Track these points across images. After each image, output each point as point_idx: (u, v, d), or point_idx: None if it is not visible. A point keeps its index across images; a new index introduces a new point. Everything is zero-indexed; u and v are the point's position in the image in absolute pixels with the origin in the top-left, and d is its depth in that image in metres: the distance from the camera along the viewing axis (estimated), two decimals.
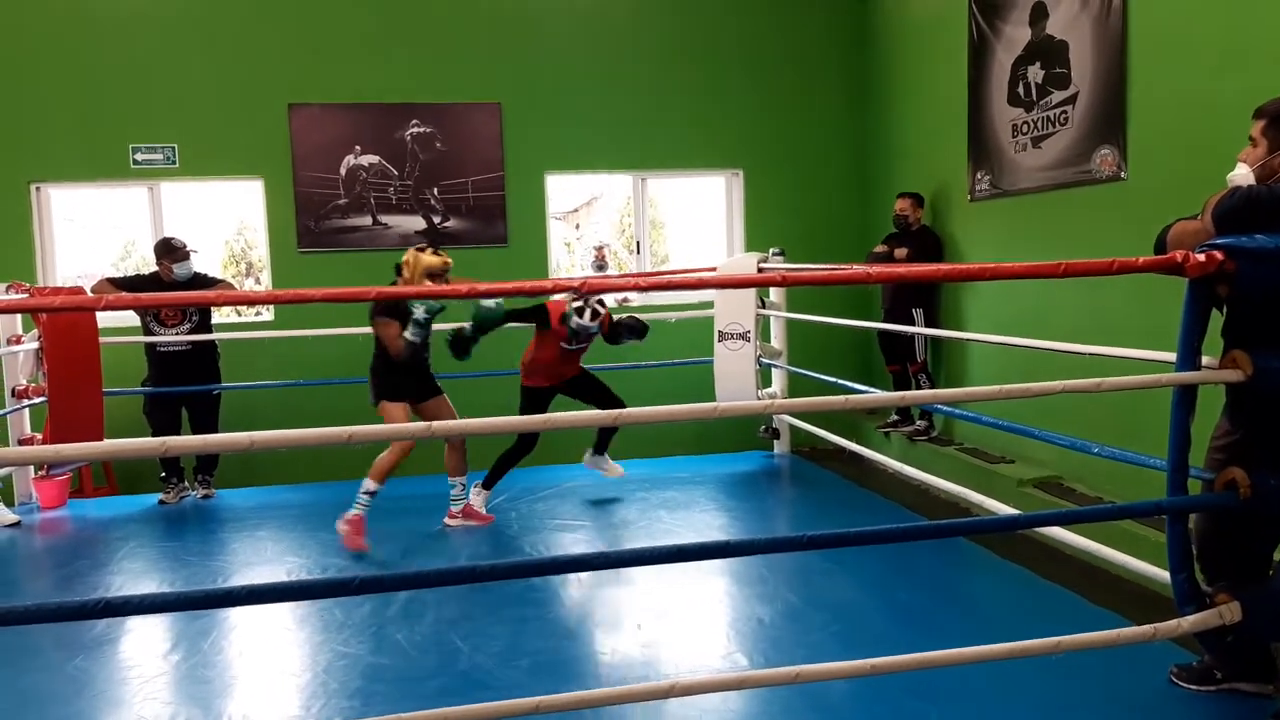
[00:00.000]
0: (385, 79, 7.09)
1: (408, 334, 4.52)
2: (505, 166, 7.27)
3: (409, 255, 4.60)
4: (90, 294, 5.54)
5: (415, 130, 7.13)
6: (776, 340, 6.67)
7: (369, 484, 4.55)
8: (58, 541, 5.17)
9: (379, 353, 4.69)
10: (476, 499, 5.17)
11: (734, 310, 6.19)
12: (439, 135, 7.16)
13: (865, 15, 7.71)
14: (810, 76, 7.71)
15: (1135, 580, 3.84)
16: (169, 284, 5.71)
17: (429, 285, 4.45)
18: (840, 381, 5.39)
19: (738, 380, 6.21)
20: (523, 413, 5.23)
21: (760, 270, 6.35)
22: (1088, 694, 2.93)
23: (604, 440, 5.66)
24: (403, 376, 4.69)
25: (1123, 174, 4.85)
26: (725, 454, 6.76)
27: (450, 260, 4.64)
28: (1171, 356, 2.56)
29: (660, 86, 7.48)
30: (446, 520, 5.00)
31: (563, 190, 8.20)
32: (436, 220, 7.20)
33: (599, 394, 5.36)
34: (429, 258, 4.56)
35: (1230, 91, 4.09)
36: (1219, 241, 2.35)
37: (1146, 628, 2.40)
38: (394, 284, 4.64)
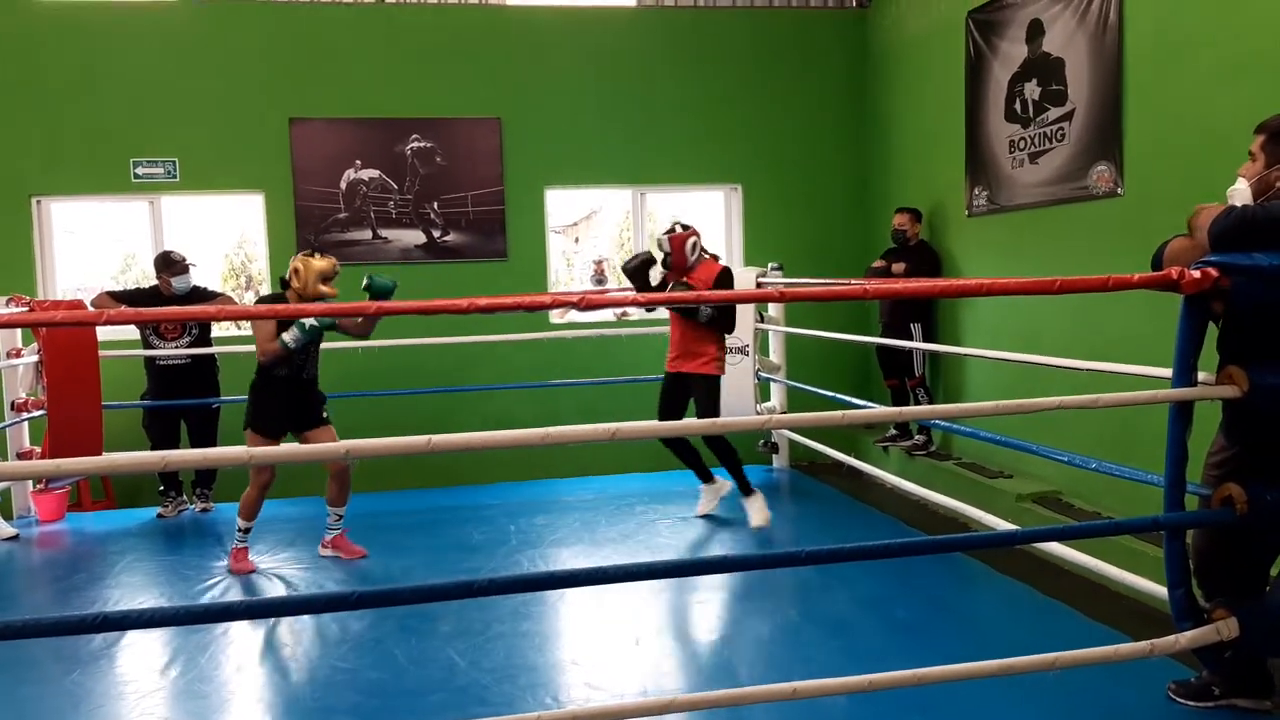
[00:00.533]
0: (386, 94, 7.12)
1: (286, 336, 4.24)
2: (505, 181, 7.30)
3: (296, 262, 4.37)
4: (90, 307, 5.55)
5: (415, 145, 7.15)
6: (775, 355, 6.68)
7: (239, 521, 4.60)
8: (56, 555, 5.17)
9: (258, 367, 4.47)
10: (753, 505, 5.12)
11: None
12: (439, 150, 7.19)
13: (864, 31, 7.75)
14: (809, 92, 7.75)
15: (1133, 596, 3.84)
16: (168, 298, 5.71)
17: (323, 289, 4.34)
18: (839, 396, 5.39)
19: (736, 394, 6.22)
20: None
21: (759, 285, 6.37)
22: (1085, 710, 2.92)
23: (740, 481, 5.21)
24: (279, 401, 4.45)
25: (1119, 190, 4.88)
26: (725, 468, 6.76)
27: (338, 263, 4.49)
28: (1168, 372, 2.57)
29: (659, 101, 7.52)
30: (320, 549, 4.85)
31: (562, 204, 8.22)
32: (436, 234, 7.22)
33: (701, 410, 5.11)
34: (318, 262, 4.37)
35: (1226, 108, 4.12)
36: (1214, 259, 2.36)
37: (1143, 644, 2.41)
38: (282, 294, 4.45)
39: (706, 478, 5.35)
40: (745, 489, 5.17)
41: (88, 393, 5.46)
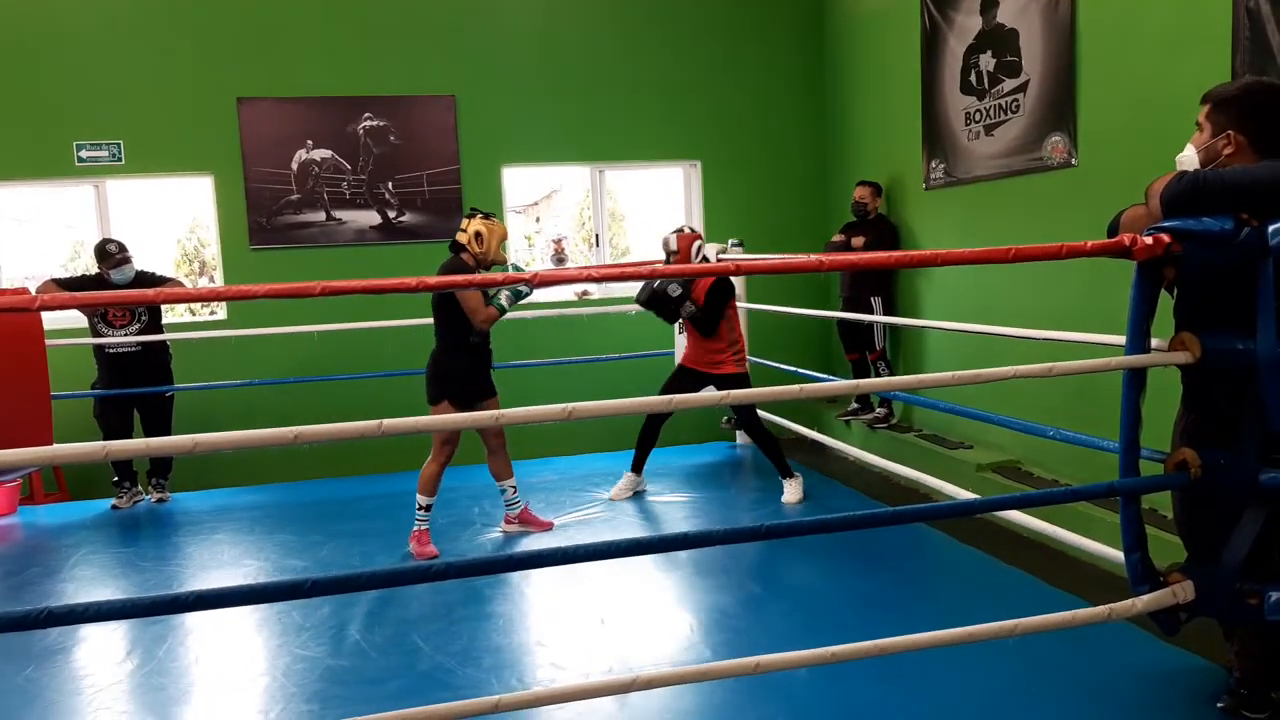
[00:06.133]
0: (337, 72, 6.98)
1: (502, 300, 4.25)
2: (461, 159, 7.20)
3: (478, 225, 4.35)
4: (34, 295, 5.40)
5: (368, 124, 7.03)
6: None
7: (420, 499, 4.46)
8: (8, 549, 5.05)
9: (450, 343, 4.41)
10: (624, 483, 5.33)
11: None
12: (393, 128, 7.07)
13: (820, 5, 7.73)
14: (766, 66, 7.72)
15: (1091, 561, 3.89)
16: (113, 285, 5.59)
17: (503, 254, 4.40)
18: (800, 371, 5.40)
19: None
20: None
21: (719, 260, 6.35)
22: (1047, 675, 2.96)
23: (778, 465, 5.31)
24: (472, 367, 4.44)
25: (1073, 160, 4.91)
26: (687, 445, 6.76)
27: None
28: (1123, 339, 2.58)
29: (617, 77, 7.45)
30: (503, 526, 4.82)
31: (522, 183, 8.13)
32: (391, 215, 7.11)
33: (736, 412, 5.43)
34: (500, 226, 4.46)
35: (1177, 78, 4.15)
36: (1166, 225, 2.37)
37: (1101, 609, 2.43)
38: (461, 260, 4.37)
39: (638, 469, 5.44)
40: (784, 472, 5.26)
41: (35, 383, 5.32)
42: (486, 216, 4.46)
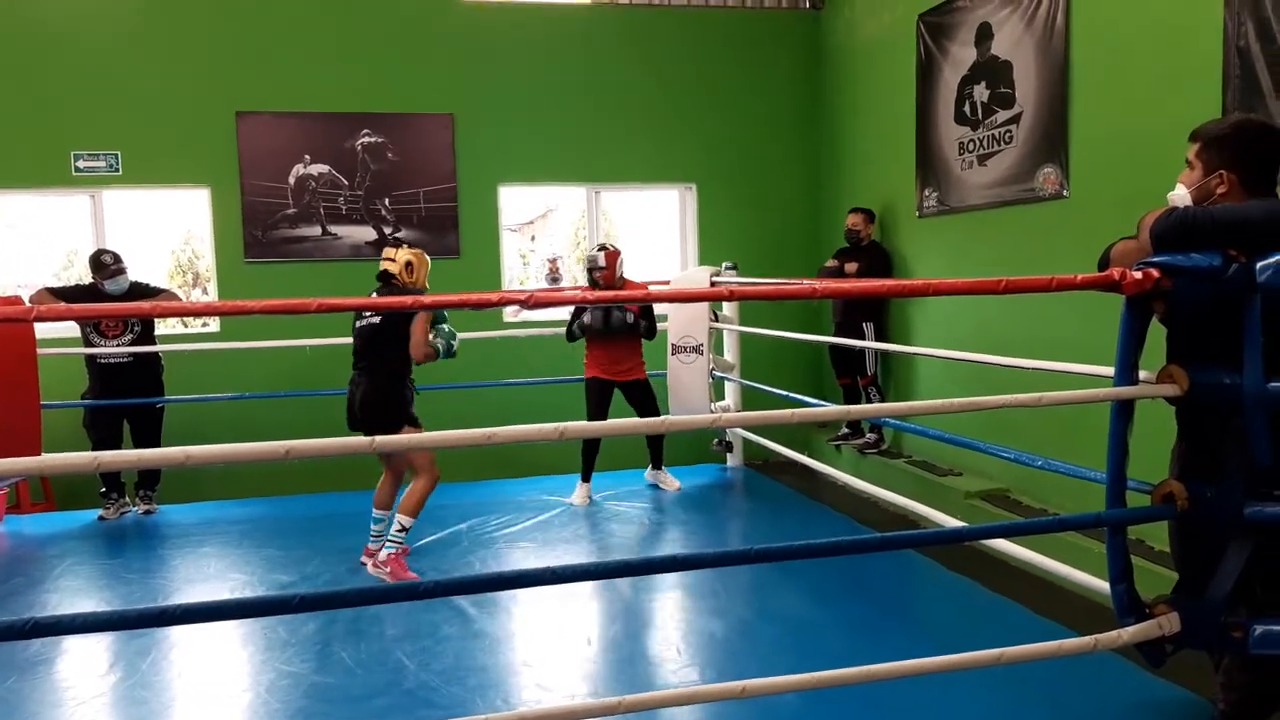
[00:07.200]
0: (336, 88, 7.02)
1: (440, 345, 4.37)
2: (458, 178, 7.23)
3: (410, 255, 4.43)
4: (28, 304, 5.39)
5: (366, 140, 7.06)
6: (729, 354, 6.69)
7: (402, 519, 4.36)
8: None
9: (400, 369, 4.41)
10: (581, 491, 5.70)
11: (687, 324, 6.20)
12: (390, 145, 7.10)
13: (817, 33, 7.80)
14: (763, 92, 7.78)
15: (1079, 591, 3.89)
16: (106, 298, 5.58)
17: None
18: (792, 395, 5.42)
19: (691, 393, 6.22)
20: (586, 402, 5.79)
21: (713, 284, 6.38)
22: (1033, 705, 2.97)
23: (656, 455, 6.14)
24: (412, 398, 4.49)
25: (1065, 192, 4.95)
26: (678, 467, 6.74)
27: None
28: (1112, 371, 2.60)
29: (614, 99, 7.50)
30: (367, 565, 4.57)
31: (518, 202, 8.16)
32: (387, 231, 7.13)
33: (642, 408, 5.80)
34: (427, 257, 4.55)
35: (1168, 112, 4.20)
36: (1155, 260, 2.39)
37: (1087, 639, 2.43)
38: (393, 288, 4.42)
39: (587, 477, 5.80)
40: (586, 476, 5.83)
41: (25, 392, 5.30)
42: (411, 247, 4.54)
